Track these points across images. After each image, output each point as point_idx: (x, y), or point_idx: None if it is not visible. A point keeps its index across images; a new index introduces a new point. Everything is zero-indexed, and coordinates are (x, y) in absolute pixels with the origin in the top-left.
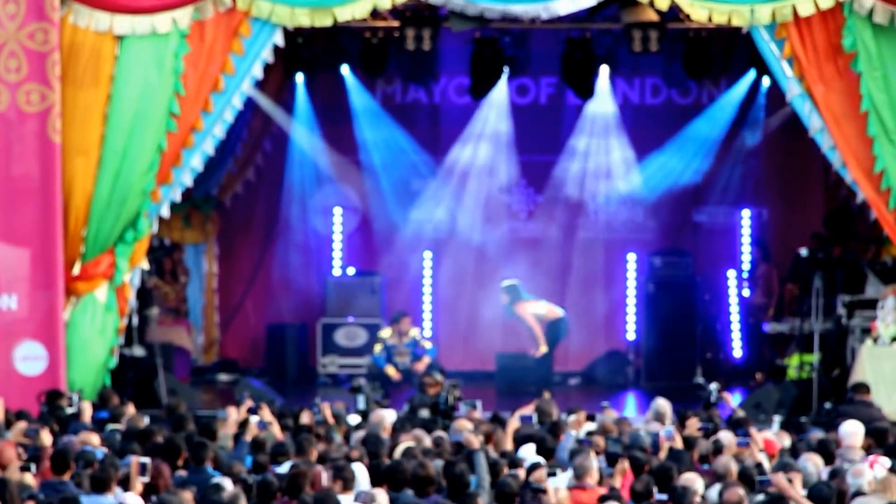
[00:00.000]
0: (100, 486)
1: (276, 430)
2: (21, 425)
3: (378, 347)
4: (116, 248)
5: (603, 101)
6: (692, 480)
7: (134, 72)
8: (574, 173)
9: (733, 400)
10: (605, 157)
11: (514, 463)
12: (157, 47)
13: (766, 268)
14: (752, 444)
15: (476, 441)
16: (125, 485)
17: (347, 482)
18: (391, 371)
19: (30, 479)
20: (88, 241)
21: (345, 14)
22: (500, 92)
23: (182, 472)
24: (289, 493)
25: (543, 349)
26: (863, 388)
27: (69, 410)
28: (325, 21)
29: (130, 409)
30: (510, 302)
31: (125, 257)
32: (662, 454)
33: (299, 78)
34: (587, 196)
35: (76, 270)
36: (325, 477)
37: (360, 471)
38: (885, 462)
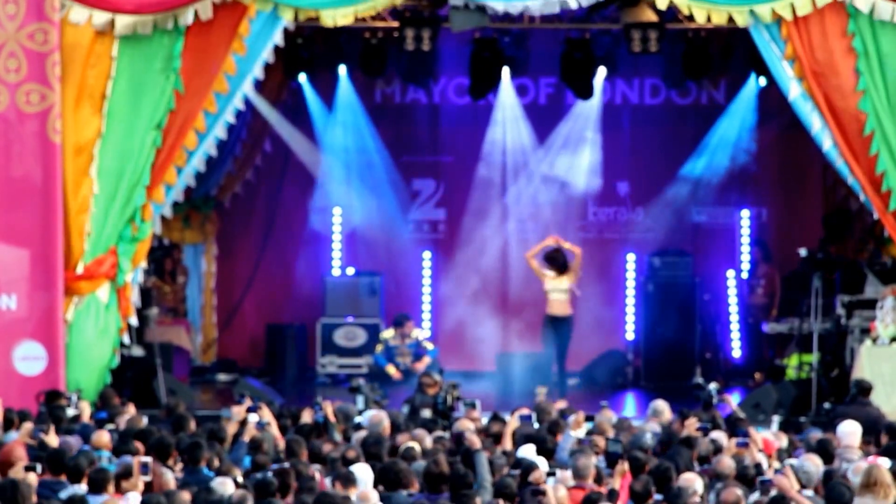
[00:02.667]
0: (96, 487)
1: (274, 430)
2: (27, 426)
3: (379, 347)
4: (119, 248)
5: (590, 101)
6: (692, 481)
7: (134, 71)
8: (571, 174)
9: (734, 401)
10: (571, 158)
11: (516, 464)
12: (157, 47)
13: (767, 268)
14: (751, 445)
15: (477, 441)
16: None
17: (346, 483)
18: (392, 370)
19: (33, 479)
20: (91, 239)
21: (347, 16)
22: (508, 94)
23: (175, 473)
24: (279, 491)
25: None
26: (868, 388)
27: (70, 411)
28: (326, 21)
29: (131, 409)
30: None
31: (128, 257)
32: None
33: (302, 78)
34: (587, 195)
35: (80, 269)
36: (318, 477)
37: (365, 471)
38: (885, 462)
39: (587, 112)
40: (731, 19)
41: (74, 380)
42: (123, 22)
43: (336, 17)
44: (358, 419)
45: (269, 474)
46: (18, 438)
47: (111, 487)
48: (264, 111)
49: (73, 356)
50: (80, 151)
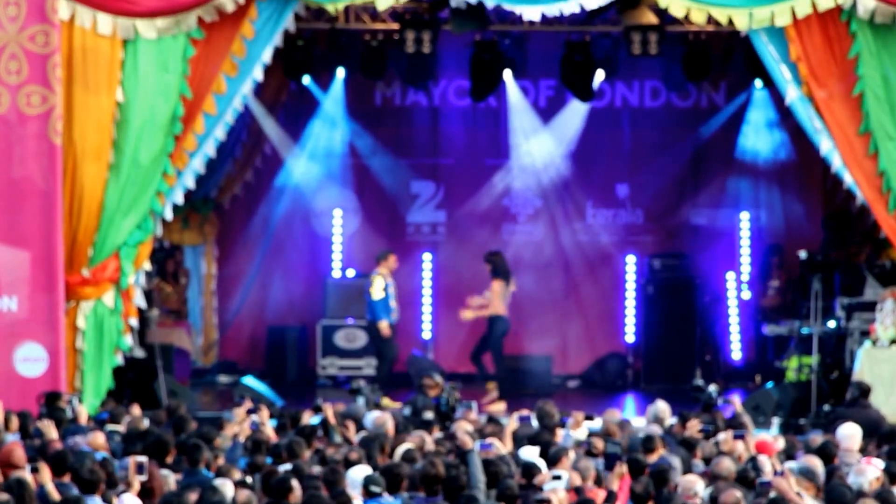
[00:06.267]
0: (88, 488)
1: (269, 431)
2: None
3: (381, 294)
4: (121, 252)
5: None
6: (693, 482)
7: (141, 75)
8: (571, 175)
9: (738, 403)
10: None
11: (522, 467)
12: (163, 50)
13: (782, 273)
14: (746, 437)
15: (470, 441)
16: (125, 485)
17: (338, 485)
18: (384, 326)
19: (33, 480)
20: (97, 245)
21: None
22: (515, 95)
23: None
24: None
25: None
26: (868, 391)
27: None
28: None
29: (136, 410)
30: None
31: (129, 260)
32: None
33: (306, 80)
34: (586, 199)
35: (86, 274)
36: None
37: (365, 472)
38: (879, 464)
39: (575, 111)
40: (730, 22)
41: (91, 386)
42: (128, 25)
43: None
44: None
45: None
46: (16, 440)
47: (102, 488)
48: (258, 114)
49: (87, 364)
50: (93, 158)
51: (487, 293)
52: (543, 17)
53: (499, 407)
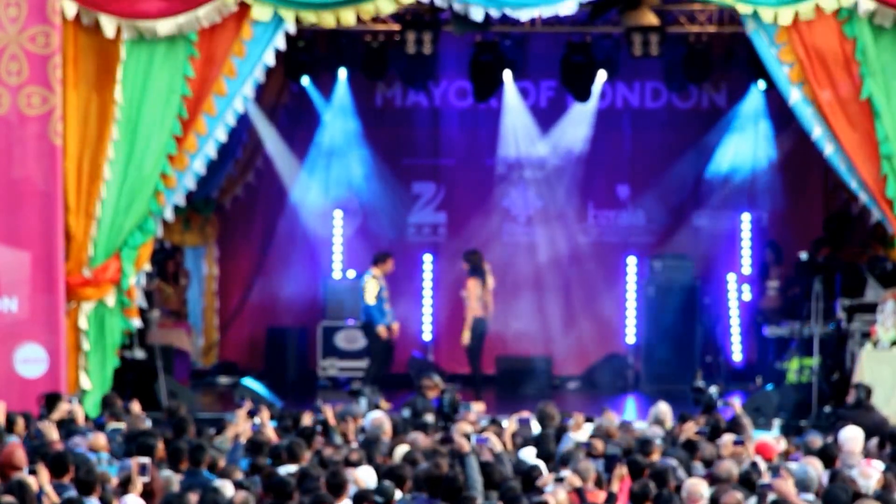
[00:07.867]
0: (85, 489)
1: (269, 433)
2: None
3: (373, 295)
4: (122, 253)
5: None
6: (696, 485)
7: (142, 76)
8: (571, 175)
9: (738, 405)
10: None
11: (519, 467)
12: (164, 52)
13: (779, 270)
14: (747, 443)
15: (467, 444)
16: (125, 486)
17: (339, 487)
18: (382, 330)
19: (34, 481)
20: (98, 246)
21: (349, 17)
22: (513, 96)
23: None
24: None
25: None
26: (871, 394)
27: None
28: (329, 22)
29: (136, 407)
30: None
31: (130, 261)
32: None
33: (305, 81)
34: (587, 200)
35: (88, 274)
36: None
37: (369, 473)
38: (879, 465)
39: (577, 113)
40: (732, 20)
41: (92, 387)
42: (131, 27)
43: (339, 18)
44: (360, 422)
45: (286, 475)
46: (16, 441)
47: (98, 489)
48: (256, 119)
49: (89, 365)
50: (95, 157)
51: (464, 292)
52: (543, 18)
53: (478, 407)
